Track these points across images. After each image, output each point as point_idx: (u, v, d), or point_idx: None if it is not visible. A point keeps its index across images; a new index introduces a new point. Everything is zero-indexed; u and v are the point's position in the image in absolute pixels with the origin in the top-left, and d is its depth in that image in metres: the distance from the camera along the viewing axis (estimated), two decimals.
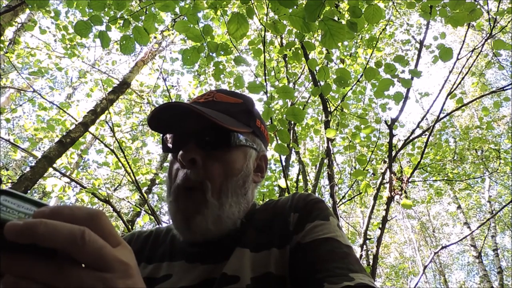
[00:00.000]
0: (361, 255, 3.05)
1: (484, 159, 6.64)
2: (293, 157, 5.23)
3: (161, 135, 0.71)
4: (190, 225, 0.62)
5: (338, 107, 3.05)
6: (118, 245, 0.31)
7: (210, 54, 2.26)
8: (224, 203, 0.64)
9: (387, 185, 3.05)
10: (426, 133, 3.95)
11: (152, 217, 3.71)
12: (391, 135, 2.98)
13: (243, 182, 0.68)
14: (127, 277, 0.30)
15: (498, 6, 2.94)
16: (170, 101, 5.35)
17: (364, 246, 3.19)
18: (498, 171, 6.71)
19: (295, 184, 4.75)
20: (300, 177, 4.91)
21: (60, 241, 0.27)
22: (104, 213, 0.31)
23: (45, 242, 0.27)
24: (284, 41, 4.30)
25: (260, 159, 0.75)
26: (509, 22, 3.51)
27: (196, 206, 0.62)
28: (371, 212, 3.19)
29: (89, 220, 0.30)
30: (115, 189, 8.56)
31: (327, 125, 3.05)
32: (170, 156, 0.71)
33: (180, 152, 0.63)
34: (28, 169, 3.61)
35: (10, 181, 4.97)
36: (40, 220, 0.27)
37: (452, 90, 3.25)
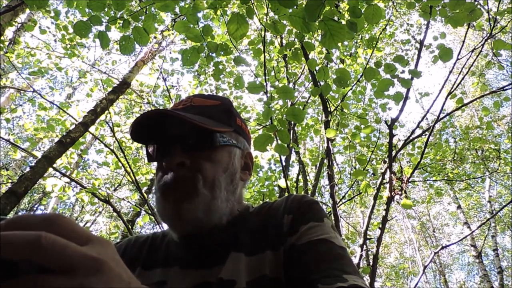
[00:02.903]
0: (361, 255, 3.05)
1: (484, 159, 6.64)
2: (293, 157, 5.23)
3: (145, 146, 0.71)
4: (180, 213, 0.62)
5: (338, 107, 3.05)
6: (87, 242, 0.30)
7: (210, 54, 2.26)
8: (216, 196, 0.64)
9: (387, 185, 3.05)
10: (426, 133, 3.94)
11: (152, 217, 3.72)
12: (391, 135, 2.97)
13: (231, 180, 0.69)
14: (101, 273, 0.28)
15: (498, 6, 2.94)
16: (170, 101, 5.36)
17: (364, 246, 3.18)
18: (498, 171, 6.70)
19: (295, 184, 4.75)
20: (300, 177, 4.91)
21: (19, 250, 0.26)
22: (62, 214, 0.30)
23: (4, 255, 0.25)
24: (284, 41, 4.30)
25: (246, 157, 0.76)
26: (509, 22, 3.51)
27: (185, 194, 0.62)
28: (371, 212, 3.19)
29: (46, 224, 0.28)
30: (115, 189, 8.56)
31: (327, 125, 3.05)
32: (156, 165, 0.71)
33: (166, 159, 0.64)
34: (28, 169, 3.60)
35: (10, 181, 4.97)
36: None
37: (452, 90, 3.25)
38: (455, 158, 5.95)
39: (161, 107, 6.28)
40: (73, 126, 4.30)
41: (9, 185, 4.18)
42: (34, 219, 0.29)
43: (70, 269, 0.27)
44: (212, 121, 0.68)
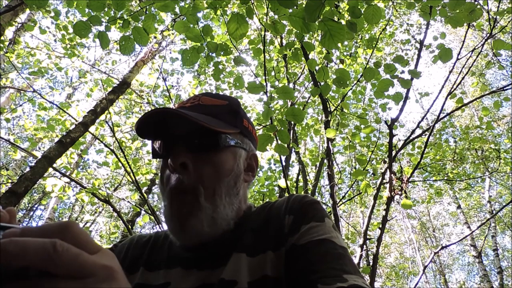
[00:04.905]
0: (361, 255, 3.05)
1: (484, 159, 6.65)
2: (293, 157, 5.23)
3: (151, 141, 0.71)
4: (185, 228, 0.62)
5: (338, 107, 3.05)
6: (96, 251, 0.30)
7: (210, 54, 2.26)
8: (218, 205, 0.64)
9: (387, 185, 3.05)
10: (426, 133, 3.95)
11: (152, 217, 3.71)
12: (391, 135, 2.97)
13: (234, 182, 0.68)
14: (112, 280, 0.29)
15: (498, 6, 2.94)
16: (170, 101, 5.36)
17: (364, 246, 3.18)
18: (498, 171, 6.71)
19: (295, 184, 4.75)
20: (300, 177, 4.91)
21: (33, 257, 0.26)
22: (75, 222, 0.30)
23: (18, 261, 0.26)
24: (284, 41, 4.30)
25: (250, 158, 0.76)
26: (509, 22, 3.51)
27: (189, 209, 0.63)
28: (371, 212, 3.19)
29: (60, 232, 0.29)
30: (115, 189, 8.56)
31: (327, 125, 3.05)
32: (161, 162, 0.71)
33: (170, 157, 0.63)
34: (28, 169, 3.60)
35: (10, 181, 4.97)
36: (10, 239, 0.26)
37: (452, 90, 3.25)
38: (455, 158, 5.95)
39: (162, 107, 6.26)
40: (73, 126, 4.30)
41: (9, 185, 4.18)
42: (49, 226, 0.29)
43: (81, 276, 0.28)
44: (218, 121, 0.68)
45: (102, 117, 4.98)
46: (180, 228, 0.63)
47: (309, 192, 4.67)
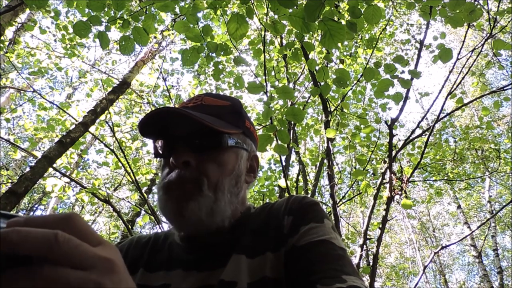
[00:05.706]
0: (361, 255, 3.05)
1: (484, 159, 6.64)
2: (293, 157, 5.23)
3: (152, 141, 0.71)
4: (182, 212, 0.61)
5: (338, 107, 3.05)
6: (98, 244, 0.31)
7: (210, 54, 2.26)
8: (219, 198, 0.64)
9: (387, 185, 3.05)
10: (426, 133, 3.94)
11: (152, 217, 3.71)
12: (391, 135, 2.97)
13: (236, 182, 0.68)
14: (112, 273, 0.29)
15: (498, 6, 2.94)
16: (170, 101, 5.36)
17: (364, 246, 3.18)
18: (498, 171, 6.71)
19: (295, 184, 4.75)
20: (300, 177, 4.91)
21: (35, 246, 0.27)
22: (78, 214, 0.31)
23: (19, 250, 0.26)
24: (284, 41, 4.30)
25: (252, 159, 0.76)
26: (509, 22, 3.51)
27: (190, 194, 0.62)
28: (371, 212, 3.19)
29: (62, 223, 0.29)
30: (115, 189, 8.56)
31: (327, 125, 3.05)
32: (162, 161, 0.71)
33: (173, 156, 0.63)
34: (28, 169, 3.60)
35: (10, 181, 4.97)
36: (12, 229, 0.27)
37: (452, 90, 3.25)
38: (455, 158, 5.95)
39: (165, 106, 6.26)
40: (73, 126, 4.30)
41: (9, 185, 4.18)
42: (52, 217, 0.30)
43: (82, 267, 0.28)
44: (221, 122, 0.68)
45: (102, 117, 4.98)
46: (177, 212, 0.62)
47: (309, 192, 4.67)
